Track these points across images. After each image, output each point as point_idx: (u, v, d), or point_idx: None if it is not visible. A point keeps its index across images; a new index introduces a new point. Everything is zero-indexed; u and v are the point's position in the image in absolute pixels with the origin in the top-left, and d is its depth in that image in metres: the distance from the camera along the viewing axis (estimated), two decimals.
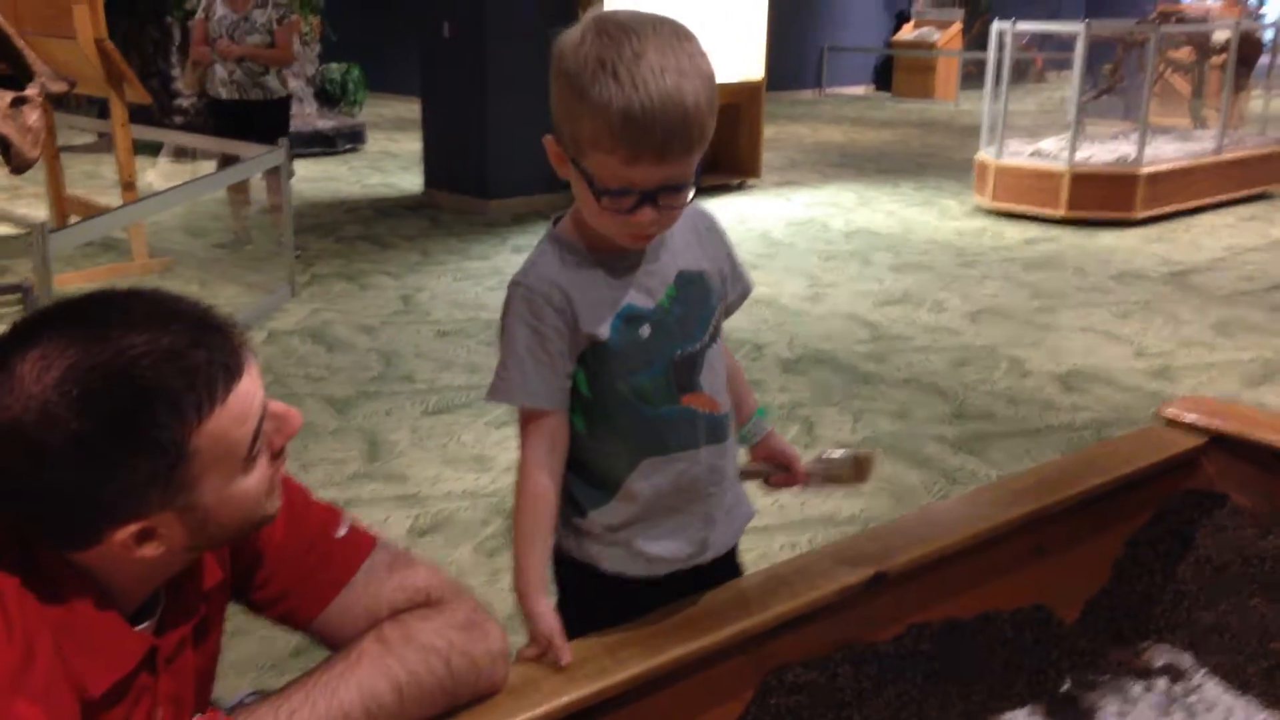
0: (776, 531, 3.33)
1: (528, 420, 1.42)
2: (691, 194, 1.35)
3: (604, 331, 1.39)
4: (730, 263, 1.55)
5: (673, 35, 1.28)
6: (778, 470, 1.65)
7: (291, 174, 6.50)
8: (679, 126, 1.26)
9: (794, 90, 17.56)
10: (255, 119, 6.41)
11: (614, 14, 1.30)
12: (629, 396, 1.42)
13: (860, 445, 4.01)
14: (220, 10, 6.36)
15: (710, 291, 1.49)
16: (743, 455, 1.62)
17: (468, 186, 8.13)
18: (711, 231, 1.53)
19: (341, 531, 1.29)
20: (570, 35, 1.30)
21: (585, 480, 1.46)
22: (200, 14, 6.46)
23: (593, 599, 1.48)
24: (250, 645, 2.73)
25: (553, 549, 1.46)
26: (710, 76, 1.30)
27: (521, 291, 1.39)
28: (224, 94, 6.43)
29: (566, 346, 1.39)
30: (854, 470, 1.64)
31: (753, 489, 1.64)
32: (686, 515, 1.49)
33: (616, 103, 1.24)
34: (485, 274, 6.38)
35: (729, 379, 1.55)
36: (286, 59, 6.54)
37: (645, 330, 1.41)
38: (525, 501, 1.42)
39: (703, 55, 1.30)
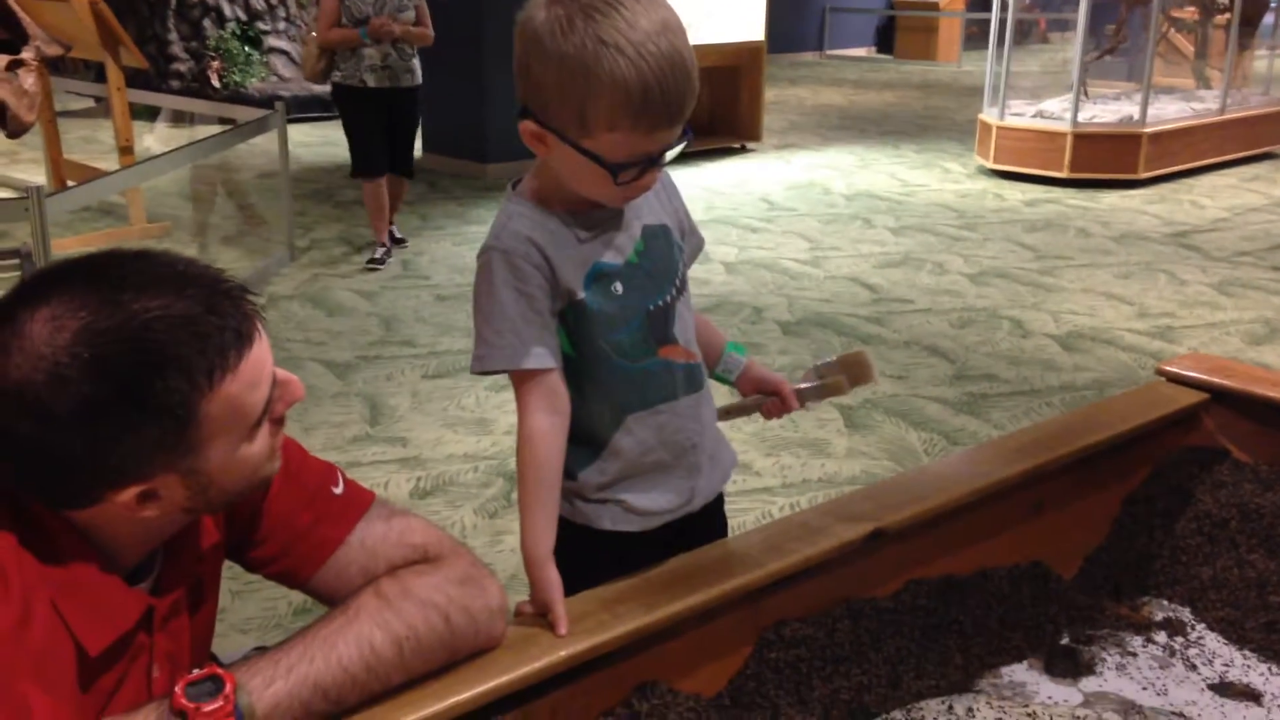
0: (777, 493, 3.34)
1: (526, 381, 1.39)
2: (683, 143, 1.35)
3: (580, 290, 1.39)
4: (685, 216, 1.55)
5: (654, 2, 1.27)
6: (768, 399, 1.63)
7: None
8: (687, 86, 1.27)
9: (795, 53, 17.43)
10: (403, 107, 5.69)
11: None
12: (610, 353, 1.42)
13: (861, 405, 4.02)
14: None
15: (673, 245, 1.50)
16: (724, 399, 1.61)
17: (466, 151, 8.09)
18: (666, 186, 1.53)
19: (338, 489, 1.29)
20: (547, 16, 1.27)
21: (571, 441, 1.44)
22: None
23: (589, 556, 1.47)
24: (252, 605, 2.75)
25: None
26: (680, 19, 1.30)
27: (499, 256, 1.37)
28: (371, 81, 5.51)
29: (550, 304, 1.39)
30: (849, 375, 1.60)
31: (748, 446, 1.64)
32: (673, 466, 1.50)
33: (632, 80, 1.23)
34: (484, 238, 6.35)
35: (700, 327, 1.56)
36: (432, 36, 5.68)
37: (618, 287, 1.41)
38: (531, 464, 1.40)
39: (667, 3, 1.30)
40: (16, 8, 4.09)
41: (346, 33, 5.43)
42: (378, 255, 5.79)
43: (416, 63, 5.65)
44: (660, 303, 1.45)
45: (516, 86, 1.34)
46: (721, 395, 1.58)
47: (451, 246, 6.19)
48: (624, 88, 1.24)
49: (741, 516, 3.07)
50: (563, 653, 1.28)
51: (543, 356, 1.38)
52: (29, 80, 3.94)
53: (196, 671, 1.09)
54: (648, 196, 1.45)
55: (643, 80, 1.23)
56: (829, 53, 18.01)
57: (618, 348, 1.42)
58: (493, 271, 1.38)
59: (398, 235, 6.08)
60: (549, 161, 1.37)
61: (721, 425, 1.60)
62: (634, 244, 1.44)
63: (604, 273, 1.41)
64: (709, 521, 1.60)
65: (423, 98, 5.86)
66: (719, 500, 1.63)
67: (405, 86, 5.60)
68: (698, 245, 1.58)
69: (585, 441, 1.46)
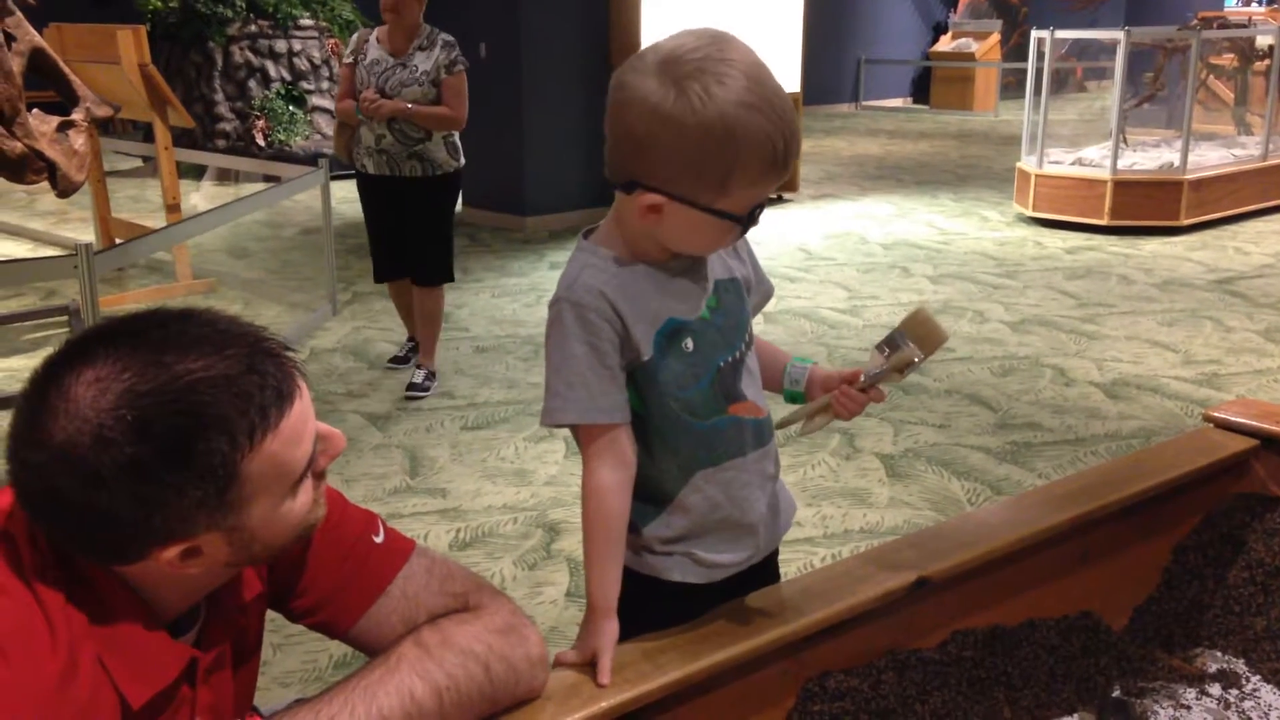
0: (819, 543, 3.30)
1: (594, 437, 1.38)
2: None
3: (647, 350, 1.38)
4: (753, 265, 1.54)
5: (747, 50, 1.30)
6: (833, 396, 1.55)
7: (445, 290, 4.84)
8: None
9: (830, 104, 17.53)
10: (409, 202, 4.58)
11: (693, 48, 1.28)
12: (679, 411, 1.41)
13: (903, 454, 3.98)
14: (373, 53, 4.47)
15: (744, 297, 1.49)
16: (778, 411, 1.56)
17: (505, 204, 8.17)
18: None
19: (378, 537, 1.29)
20: (671, 89, 1.25)
21: (636, 497, 1.43)
22: (347, 57, 4.58)
23: (653, 606, 1.46)
24: (294, 658, 2.75)
25: None
26: None
27: (569, 307, 1.36)
28: (370, 167, 4.55)
29: (621, 358, 1.37)
30: (918, 341, 1.43)
31: (795, 491, 1.62)
32: (740, 521, 1.48)
33: (775, 134, 1.27)
34: (523, 290, 6.40)
35: (763, 355, 1.55)
36: (457, 119, 4.47)
37: (689, 344, 1.40)
38: (598, 519, 1.38)
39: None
40: (67, 70, 4.19)
41: (346, 107, 4.53)
42: (401, 353, 5.04)
43: (434, 148, 4.50)
44: (730, 358, 1.44)
45: (622, 161, 1.32)
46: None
47: (490, 299, 6.24)
48: (770, 144, 1.27)
49: (783, 568, 3.01)
50: (604, 704, 1.27)
51: (612, 411, 1.37)
52: (79, 141, 4.03)
53: None
54: (720, 251, 1.45)
55: (782, 132, 1.27)
56: (865, 104, 18.08)
57: (687, 406, 1.41)
58: (564, 323, 1.36)
59: (427, 373, 4.78)
60: (652, 227, 1.35)
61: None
62: (707, 299, 1.43)
63: (678, 328, 1.39)
64: (768, 570, 1.58)
65: (461, 187, 4.82)
66: (776, 549, 1.62)
67: (408, 177, 4.51)
68: (767, 293, 1.56)
69: (650, 498, 1.45)
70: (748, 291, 1.51)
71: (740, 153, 1.26)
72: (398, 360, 5.01)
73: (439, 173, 4.55)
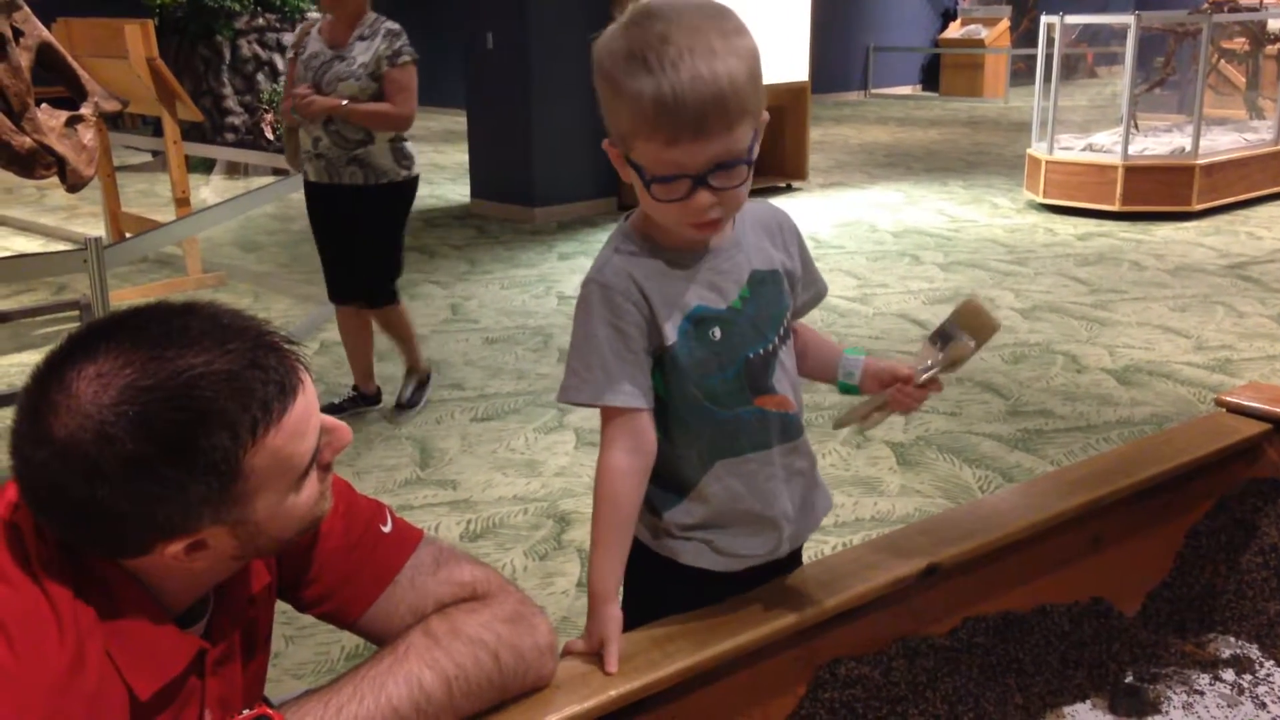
0: (830, 532, 3.30)
1: (610, 418, 1.38)
2: (748, 174, 1.30)
3: (672, 335, 1.37)
4: (803, 264, 1.51)
5: (701, 15, 1.26)
6: (890, 391, 1.48)
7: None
8: (712, 102, 1.24)
9: (839, 92, 17.47)
10: (351, 213, 4.03)
11: (648, 4, 1.29)
12: (700, 399, 1.40)
13: (914, 443, 3.97)
14: (313, 45, 3.97)
15: (783, 291, 1.46)
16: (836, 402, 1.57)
17: (513, 196, 8.17)
18: (785, 230, 1.50)
19: (386, 527, 1.29)
20: (604, 33, 1.31)
21: (655, 482, 1.43)
22: (289, 52, 4.10)
23: (668, 588, 1.46)
24: (306, 650, 2.75)
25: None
26: (747, 49, 1.27)
27: (597, 289, 1.36)
28: (310, 174, 4.05)
29: (647, 343, 1.37)
30: (970, 332, 1.38)
31: (831, 482, 1.61)
32: (761, 514, 1.47)
33: (647, 89, 1.23)
34: (532, 281, 6.40)
35: (811, 346, 1.54)
36: (401, 118, 3.90)
37: (716, 332, 1.39)
38: (605, 500, 1.38)
39: (738, 31, 1.28)
40: (75, 65, 4.19)
41: (285, 105, 4.01)
42: (337, 400, 4.36)
43: (377, 154, 3.94)
44: (761, 351, 1.42)
45: None
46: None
47: (500, 290, 6.23)
48: (639, 97, 1.24)
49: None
50: (613, 692, 1.26)
51: (629, 395, 1.36)
52: (88, 135, 4.03)
53: (246, 712, 1.09)
54: (761, 239, 1.44)
55: (656, 90, 1.23)
56: (874, 91, 18.02)
57: (709, 393, 1.40)
58: (590, 305, 1.37)
59: (416, 384, 4.44)
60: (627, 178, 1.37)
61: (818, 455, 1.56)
62: (740, 289, 1.41)
63: (704, 316, 1.38)
64: (791, 565, 1.57)
65: (394, 199, 4.07)
66: (801, 544, 1.60)
67: (348, 185, 3.96)
68: (818, 293, 1.54)
69: (670, 485, 1.45)
70: (791, 286, 1.48)
71: (616, 96, 1.27)
72: (334, 408, 4.27)
73: (383, 181, 3.98)
